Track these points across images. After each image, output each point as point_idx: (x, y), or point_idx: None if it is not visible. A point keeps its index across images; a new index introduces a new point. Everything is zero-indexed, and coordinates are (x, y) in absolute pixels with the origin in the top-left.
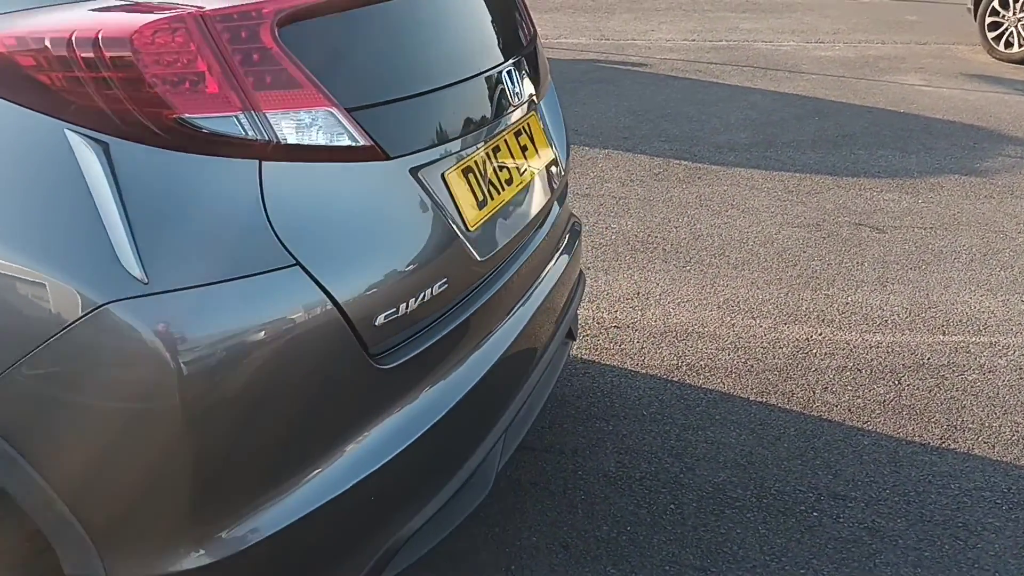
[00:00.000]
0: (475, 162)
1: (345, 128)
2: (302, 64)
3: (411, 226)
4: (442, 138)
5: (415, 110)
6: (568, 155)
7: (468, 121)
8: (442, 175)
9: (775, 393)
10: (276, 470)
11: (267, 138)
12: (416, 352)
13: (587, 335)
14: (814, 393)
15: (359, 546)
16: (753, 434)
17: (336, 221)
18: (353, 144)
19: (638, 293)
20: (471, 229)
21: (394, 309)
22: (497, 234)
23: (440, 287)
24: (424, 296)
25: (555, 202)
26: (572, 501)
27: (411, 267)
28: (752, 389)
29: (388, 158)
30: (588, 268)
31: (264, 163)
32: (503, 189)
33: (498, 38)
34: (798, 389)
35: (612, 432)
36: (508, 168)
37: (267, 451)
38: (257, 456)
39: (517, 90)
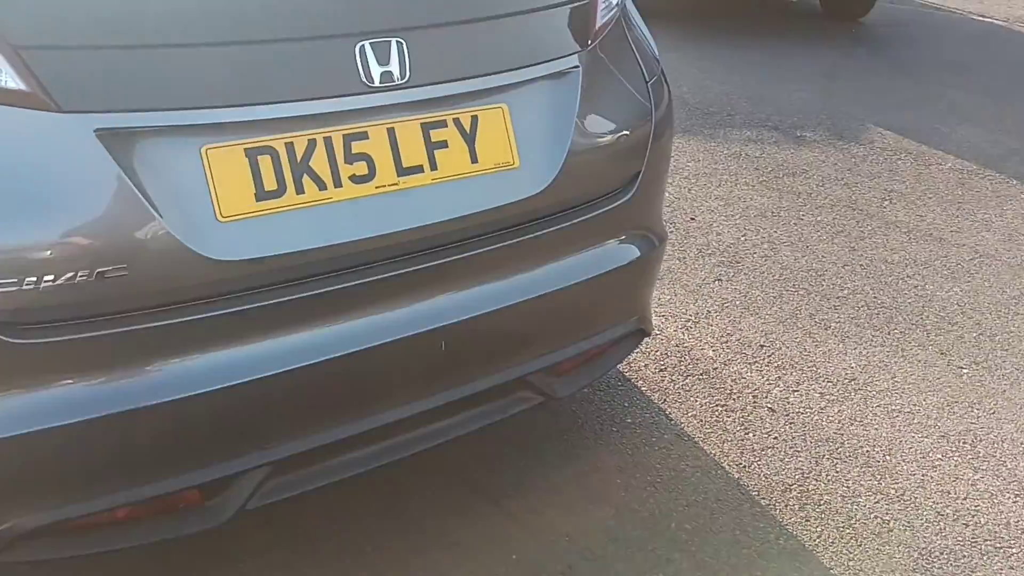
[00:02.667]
0: (282, 144)
1: (5, 67)
2: None
3: (70, 194)
4: (190, 104)
5: (132, 63)
6: (567, 172)
7: (266, 93)
8: (202, 149)
9: None
10: None
11: None
12: (76, 336)
13: None
14: None
15: None
16: None
17: None
18: (11, 87)
19: None
20: (222, 219)
21: (14, 279)
22: (298, 232)
23: (112, 272)
24: (71, 276)
25: (510, 222)
26: None
27: (51, 237)
28: None
29: (60, 110)
30: None
31: None
32: (341, 185)
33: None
34: None
35: None
36: (372, 163)
37: None
38: None
39: (403, 71)
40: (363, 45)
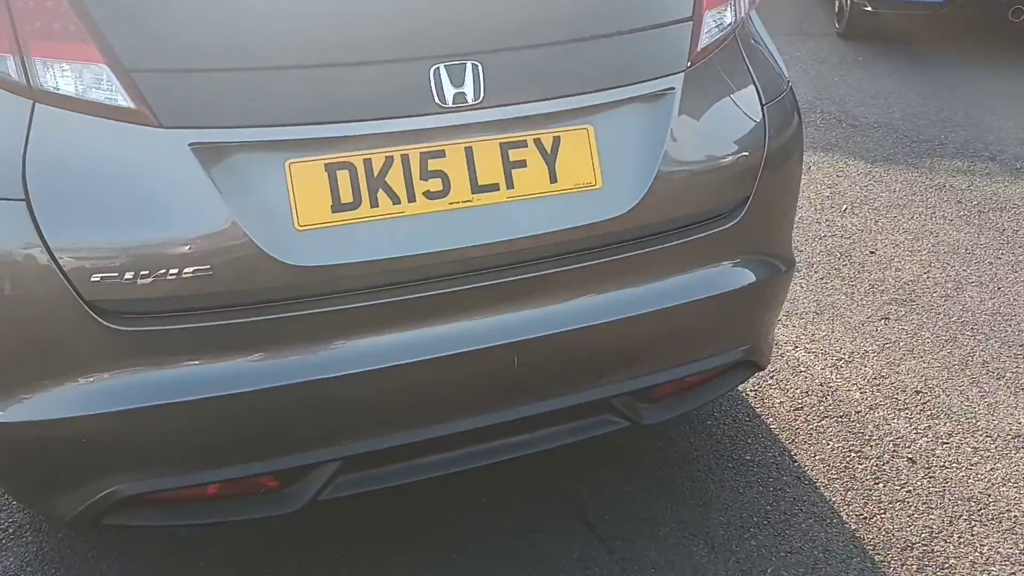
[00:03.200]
0: (360, 160)
1: (118, 87)
2: (92, 16)
3: (165, 200)
4: (276, 121)
5: (224, 84)
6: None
7: (346, 112)
8: (286, 163)
9: None
10: None
11: (34, 83)
12: (169, 327)
13: None
14: None
15: (71, 478)
16: None
17: (80, 172)
18: (122, 105)
19: None
20: (300, 228)
21: (115, 273)
22: (370, 243)
23: (198, 272)
24: (164, 273)
25: (589, 245)
26: None
27: (147, 238)
28: None
29: (160, 126)
30: None
31: (38, 104)
32: (415, 200)
33: (446, 24)
34: None
35: None
36: (447, 179)
37: None
38: None
39: (476, 93)
40: (438, 67)
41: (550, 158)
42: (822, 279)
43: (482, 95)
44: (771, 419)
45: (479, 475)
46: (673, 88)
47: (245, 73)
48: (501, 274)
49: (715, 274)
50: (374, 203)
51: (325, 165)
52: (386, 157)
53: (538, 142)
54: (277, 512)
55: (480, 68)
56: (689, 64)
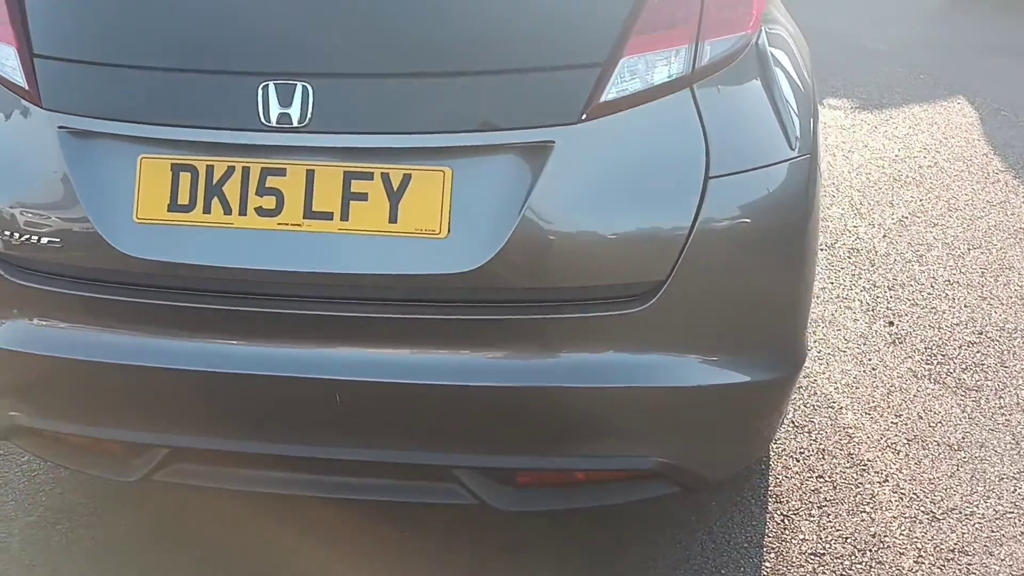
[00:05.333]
0: (205, 166)
1: (19, 68)
2: (18, 5)
3: (31, 173)
4: (136, 117)
5: (99, 77)
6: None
7: (195, 116)
8: (140, 158)
9: None
10: None
11: None
12: (38, 287)
13: None
14: None
15: None
16: None
17: None
18: (18, 83)
19: None
20: (137, 220)
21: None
22: (195, 248)
23: (50, 243)
24: (26, 237)
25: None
26: None
27: (11, 202)
28: None
29: (40, 107)
30: None
31: None
32: (245, 214)
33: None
34: None
35: None
36: (281, 199)
37: None
38: None
39: (303, 116)
40: (267, 85)
41: (395, 196)
42: None
43: (308, 119)
44: None
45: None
46: (553, 142)
47: (118, 69)
48: (324, 307)
49: (600, 363)
50: (207, 209)
51: (172, 165)
52: (228, 167)
53: (385, 177)
54: (117, 478)
55: (310, 91)
56: (583, 117)
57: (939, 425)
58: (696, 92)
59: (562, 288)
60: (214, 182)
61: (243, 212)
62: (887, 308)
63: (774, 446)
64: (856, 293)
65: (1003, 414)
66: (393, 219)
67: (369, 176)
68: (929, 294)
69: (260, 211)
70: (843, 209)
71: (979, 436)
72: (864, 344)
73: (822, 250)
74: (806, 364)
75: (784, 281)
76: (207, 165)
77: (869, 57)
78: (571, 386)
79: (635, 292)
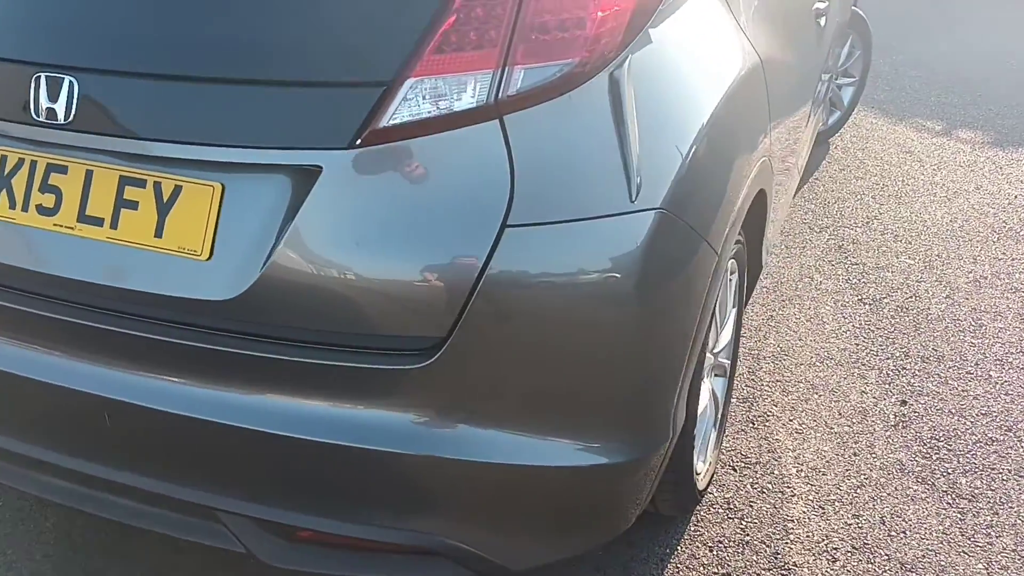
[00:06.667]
0: (1, 155)
1: None
2: None
3: None
4: None
5: None
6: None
7: None
8: None
9: None
10: None
11: None
12: None
13: None
14: None
15: None
16: None
17: None
18: None
19: None
20: None
21: None
22: None
23: None
24: None
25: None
26: None
27: None
28: None
29: None
30: None
31: None
32: (27, 210)
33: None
34: None
35: None
36: (60, 199)
37: None
38: None
39: (67, 113)
40: (40, 76)
41: (164, 208)
42: None
43: (73, 116)
44: None
45: None
46: (320, 167)
47: None
48: (94, 318)
49: (371, 421)
50: None
51: None
52: (19, 159)
53: (157, 186)
54: None
55: (75, 86)
56: (357, 142)
57: (900, 536)
58: (507, 125)
59: (324, 332)
60: (5, 173)
61: (25, 208)
62: (907, 383)
63: (692, 528)
64: (879, 361)
65: (987, 535)
66: (159, 233)
67: (142, 183)
68: (968, 373)
69: (40, 209)
70: (913, 261)
71: (944, 558)
72: (859, 423)
73: (864, 304)
74: (777, 437)
75: (612, 352)
76: (2, 154)
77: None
78: (333, 443)
79: (412, 347)
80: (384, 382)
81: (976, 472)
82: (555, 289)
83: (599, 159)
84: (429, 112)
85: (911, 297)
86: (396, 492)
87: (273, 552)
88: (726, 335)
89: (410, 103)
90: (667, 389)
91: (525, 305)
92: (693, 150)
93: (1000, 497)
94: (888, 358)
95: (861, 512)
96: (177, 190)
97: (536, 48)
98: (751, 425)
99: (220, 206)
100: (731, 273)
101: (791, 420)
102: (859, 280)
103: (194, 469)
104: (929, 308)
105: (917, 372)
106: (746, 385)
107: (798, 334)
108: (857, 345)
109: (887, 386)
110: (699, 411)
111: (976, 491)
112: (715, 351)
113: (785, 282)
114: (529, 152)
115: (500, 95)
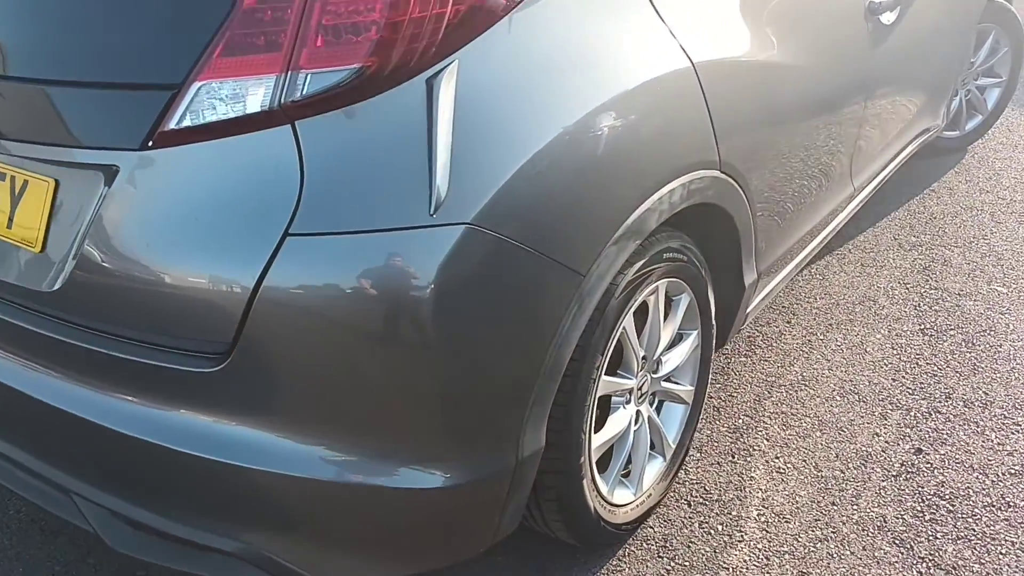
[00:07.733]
0: None
1: None
2: None
3: None
4: None
5: None
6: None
7: None
8: None
9: None
10: None
11: None
12: None
13: None
14: None
15: None
16: None
17: None
18: None
19: None
20: None
21: None
22: None
23: None
24: None
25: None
26: None
27: None
28: None
29: None
30: None
31: None
32: None
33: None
34: None
35: None
36: None
37: None
38: None
39: None
40: None
41: (15, 200)
42: None
43: None
44: None
45: None
46: (118, 168)
47: None
48: None
49: (172, 421)
50: None
51: None
52: None
53: (13, 180)
54: None
55: None
56: (149, 144)
57: None
58: (300, 132)
59: (129, 328)
60: None
61: None
62: (934, 429)
63: (613, 563)
64: (913, 400)
65: None
66: (10, 224)
67: (2, 177)
68: (1014, 424)
69: None
70: (1006, 290)
71: None
72: (855, 469)
73: (925, 334)
74: (753, 475)
75: (406, 374)
76: None
77: None
78: (143, 439)
79: (206, 350)
80: (185, 383)
81: (970, 541)
82: (339, 302)
83: (397, 170)
84: (217, 115)
85: (984, 331)
86: (200, 495)
87: (117, 537)
88: (675, 358)
89: (198, 106)
90: (497, 413)
91: (308, 317)
92: (537, 162)
93: (987, 573)
94: (925, 398)
95: (810, 570)
96: (25, 185)
97: (320, 53)
98: (730, 458)
99: (53, 201)
100: (675, 295)
101: (777, 458)
102: (930, 307)
103: (47, 448)
104: (1000, 346)
105: (952, 417)
106: (744, 414)
107: (831, 363)
108: (894, 381)
109: (909, 430)
110: (600, 439)
111: (960, 563)
112: (657, 375)
113: (841, 304)
114: (323, 160)
115: (284, 99)
